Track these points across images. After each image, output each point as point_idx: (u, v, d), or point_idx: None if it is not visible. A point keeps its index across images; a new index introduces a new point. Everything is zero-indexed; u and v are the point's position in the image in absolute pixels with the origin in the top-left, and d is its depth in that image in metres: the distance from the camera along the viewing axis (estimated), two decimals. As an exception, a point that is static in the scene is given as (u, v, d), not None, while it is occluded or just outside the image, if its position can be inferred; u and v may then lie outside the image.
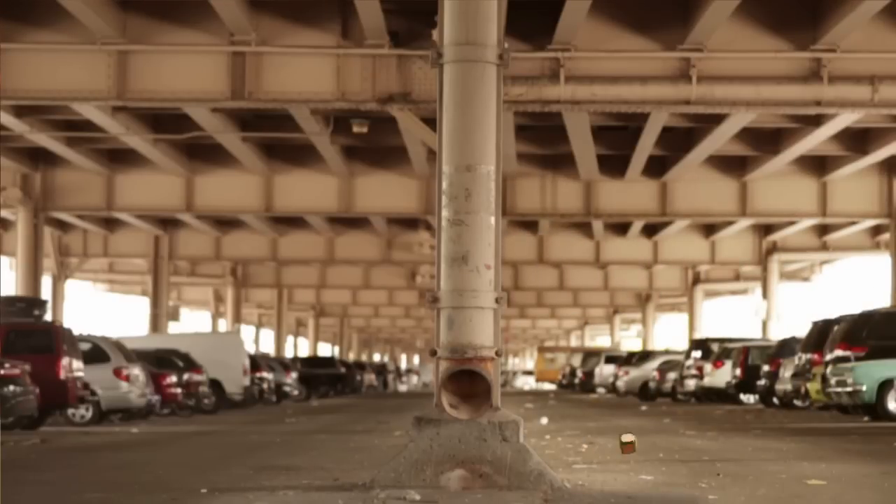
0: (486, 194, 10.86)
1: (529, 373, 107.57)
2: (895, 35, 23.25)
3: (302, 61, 23.75)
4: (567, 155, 33.59)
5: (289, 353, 73.50)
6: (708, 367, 41.05)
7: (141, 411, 28.67)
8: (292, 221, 45.95)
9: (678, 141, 33.44)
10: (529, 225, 46.22)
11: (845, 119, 28.55)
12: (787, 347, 33.93)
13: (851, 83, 23.54)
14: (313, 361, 61.33)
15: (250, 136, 32.52)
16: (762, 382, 35.06)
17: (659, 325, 78.71)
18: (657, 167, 36.12)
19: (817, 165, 36.87)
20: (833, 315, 29.05)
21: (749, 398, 38.48)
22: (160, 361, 32.69)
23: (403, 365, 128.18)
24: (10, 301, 27.77)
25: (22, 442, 19.01)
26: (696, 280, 58.61)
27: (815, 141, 31.28)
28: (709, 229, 47.48)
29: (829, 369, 26.16)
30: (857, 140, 33.30)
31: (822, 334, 28.50)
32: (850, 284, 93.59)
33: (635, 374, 51.99)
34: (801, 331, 32.35)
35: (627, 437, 13.10)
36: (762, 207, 37.81)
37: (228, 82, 23.73)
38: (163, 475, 12.73)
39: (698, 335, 51.76)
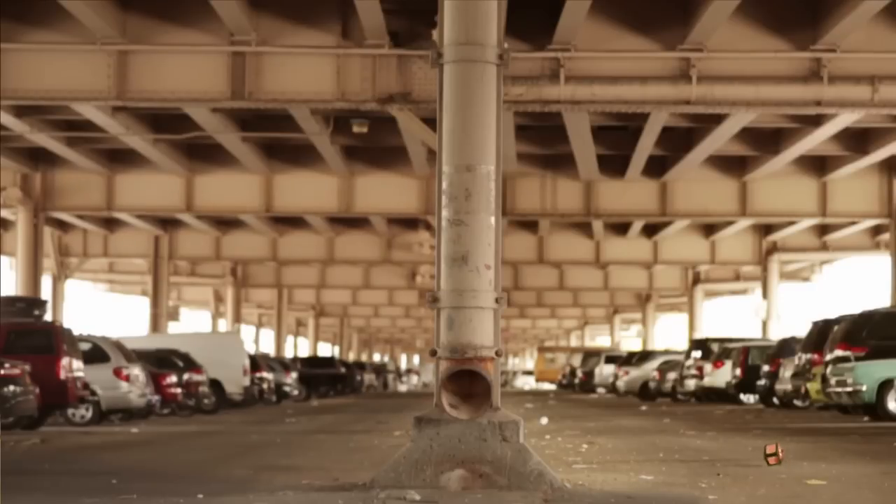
0: (486, 194, 10.85)
1: (529, 373, 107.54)
2: (895, 35, 23.25)
3: (302, 61, 23.75)
4: (567, 155, 33.59)
5: (289, 353, 73.49)
6: (708, 367, 41.04)
7: (141, 411, 28.65)
8: (292, 221, 45.94)
9: (678, 141, 33.43)
10: (529, 225, 46.21)
11: (845, 119, 28.55)
12: (787, 347, 33.91)
13: (851, 83, 23.54)
14: (313, 361, 61.31)
15: (250, 136, 32.51)
16: (762, 382, 35.05)
17: (659, 325, 78.71)
18: (657, 167, 36.11)
19: (817, 165, 36.86)
20: (833, 315, 29.04)
21: (749, 398, 38.47)
22: (160, 361, 32.67)
23: (403, 365, 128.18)
24: (10, 301, 27.75)
25: (22, 442, 19.01)
26: (696, 280, 58.61)
27: (815, 141, 31.28)
28: (709, 229, 47.48)
29: (829, 369, 26.15)
30: (857, 140, 33.29)
31: (822, 334, 28.49)
32: (850, 284, 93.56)
33: (635, 374, 51.99)
34: (801, 331, 32.34)
35: (771, 450, 13.22)
36: (762, 207, 37.80)
37: (228, 82, 23.72)
38: (162, 476, 12.73)
39: (698, 335, 51.74)
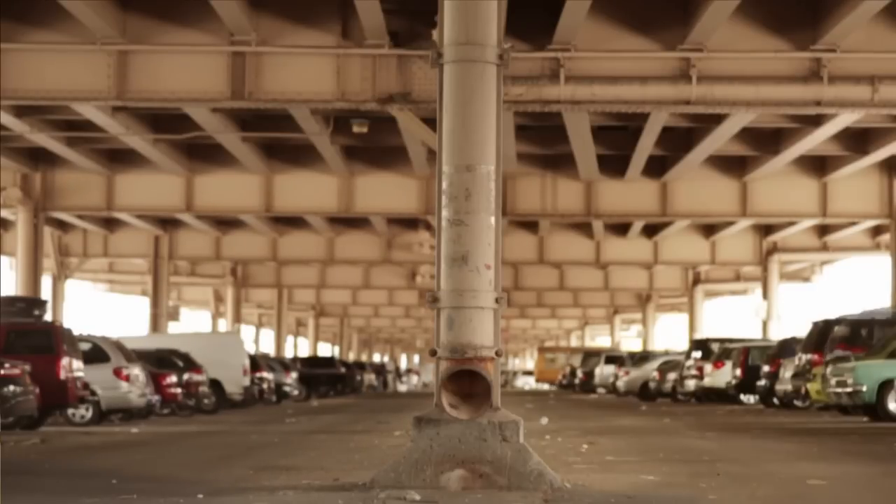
0: (486, 194, 10.86)
1: (529, 373, 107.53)
2: (895, 35, 23.25)
3: (302, 61, 23.74)
4: (567, 155, 33.59)
5: (289, 353, 73.49)
6: (708, 367, 41.05)
7: (141, 411, 28.65)
8: (292, 221, 45.95)
9: (678, 141, 33.43)
10: (529, 225, 46.21)
11: (845, 119, 28.54)
12: (787, 348, 33.92)
13: (851, 83, 23.54)
14: (313, 361, 61.32)
15: (250, 136, 32.51)
16: (762, 383, 35.05)
17: (659, 325, 78.73)
18: (657, 167, 36.11)
19: (817, 165, 36.86)
20: (833, 315, 29.06)
21: (749, 398, 38.47)
22: (160, 361, 32.67)
23: (403, 365, 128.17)
24: (10, 301, 27.76)
25: (22, 442, 19.01)
26: (697, 280, 58.61)
27: (815, 141, 31.27)
28: (709, 229, 47.48)
29: (829, 369, 26.16)
30: (857, 140, 33.29)
31: (822, 334, 28.52)
32: (850, 284, 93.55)
33: (635, 374, 51.99)
34: (802, 331, 32.37)
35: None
36: (762, 207, 37.80)
37: (228, 82, 23.72)
38: (162, 476, 12.73)
39: (698, 335, 51.76)
